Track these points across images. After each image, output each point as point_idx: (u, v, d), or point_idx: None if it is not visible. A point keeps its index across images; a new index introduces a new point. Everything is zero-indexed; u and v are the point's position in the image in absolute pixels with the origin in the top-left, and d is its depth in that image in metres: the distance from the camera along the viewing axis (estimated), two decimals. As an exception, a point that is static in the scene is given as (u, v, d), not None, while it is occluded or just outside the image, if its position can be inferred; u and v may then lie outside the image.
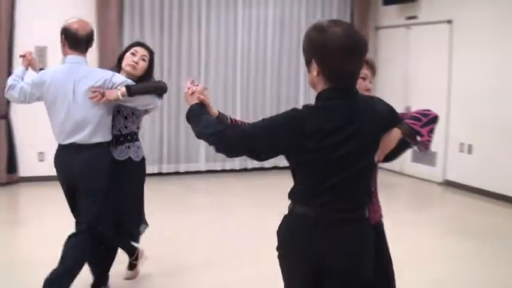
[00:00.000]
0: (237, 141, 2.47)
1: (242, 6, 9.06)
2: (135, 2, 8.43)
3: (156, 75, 8.37)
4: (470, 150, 8.10)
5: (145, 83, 4.13)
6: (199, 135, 2.64)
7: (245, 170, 9.25)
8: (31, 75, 4.05)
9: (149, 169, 8.38)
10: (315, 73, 2.43)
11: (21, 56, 4.19)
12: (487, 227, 6.36)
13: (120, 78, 3.96)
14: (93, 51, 7.90)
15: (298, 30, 9.42)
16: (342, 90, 2.44)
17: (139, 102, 4.05)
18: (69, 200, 4.10)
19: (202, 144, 8.84)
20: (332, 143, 2.38)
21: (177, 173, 8.87)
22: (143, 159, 4.30)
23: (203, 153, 8.97)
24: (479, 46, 7.82)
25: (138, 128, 4.30)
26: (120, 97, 3.87)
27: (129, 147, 4.20)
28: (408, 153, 9.30)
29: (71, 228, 4.01)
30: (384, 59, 9.86)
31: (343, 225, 2.45)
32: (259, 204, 7.19)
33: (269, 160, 2.67)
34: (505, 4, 7.48)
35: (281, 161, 2.61)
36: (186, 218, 6.56)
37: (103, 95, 3.83)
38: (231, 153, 2.59)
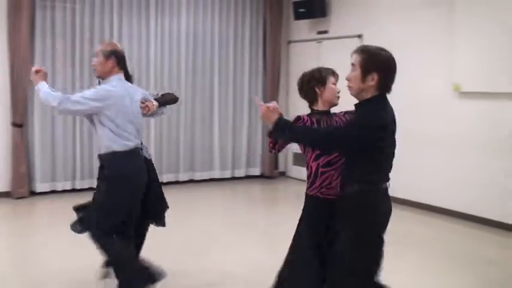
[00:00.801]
0: (348, 140, 3.18)
1: (155, 17, 9.07)
2: (47, 11, 8.29)
3: (69, 85, 8.37)
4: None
5: (166, 96, 4.86)
6: (305, 140, 3.37)
7: (212, 180, 9.47)
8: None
9: (62, 185, 8.40)
10: (371, 83, 3.19)
11: (37, 72, 4.41)
12: (405, 234, 6.60)
13: (146, 92, 4.73)
14: (4, 61, 7.83)
15: (212, 42, 9.54)
16: (386, 97, 3.25)
17: (160, 112, 4.80)
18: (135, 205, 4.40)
19: (182, 155, 8.86)
20: (390, 136, 3.22)
21: (90, 189, 8.70)
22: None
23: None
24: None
25: None
26: (155, 108, 4.61)
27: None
28: (290, 158, 9.58)
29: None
30: (296, 72, 10.10)
31: None
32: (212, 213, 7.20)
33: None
34: (412, 19, 7.89)
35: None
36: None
37: (149, 107, 4.53)
38: (336, 151, 3.41)
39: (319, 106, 3.66)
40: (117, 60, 4.42)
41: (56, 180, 8.50)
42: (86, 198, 7.71)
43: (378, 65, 3.20)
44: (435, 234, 6.69)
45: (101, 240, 4.34)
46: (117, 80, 4.40)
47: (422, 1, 7.79)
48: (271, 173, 10.13)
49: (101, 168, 4.48)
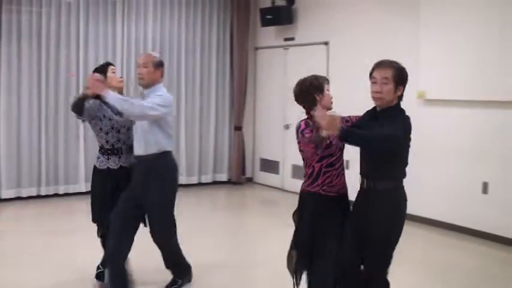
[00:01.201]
0: (400, 140, 3.66)
1: (121, 22, 9.08)
2: (13, 14, 8.26)
3: (35, 92, 8.34)
4: (347, 165, 8.50)
5: None
6: (373, 142, 3.62)
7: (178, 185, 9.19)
8: None
9: (27, 191, 8.34)
10: (398, 93, 3.77)
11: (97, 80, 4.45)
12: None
13: None
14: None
15: (178, 48, 9.58)
16: None
17: None
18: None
19: (81, 164, 8.74)
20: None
21: (56, 195, 8.69)
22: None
23: (83, 174, 8.84)
24: (353, 66, 8.32)
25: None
26: None
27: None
28: (289, 170, 9.68)
29: None
30: (263, 78, 10.23)
31: None
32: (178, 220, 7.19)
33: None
34: (378, 28, 8.05)
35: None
36: (65, 239, 6.48)
37: None
38: (389, 151, 3.68)
39: None
40: (163, 70, 4.79)
41: (21, 187, 8.43)
42: (52, 204, 7.71)
43: (404, 79, 3.81)
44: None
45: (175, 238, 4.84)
46: (163, 88, 4.77)
47: (388, 10, 7.95)
48: (238, 179, 10.19)
49: (147, 168, 4.64)
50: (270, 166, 10.16)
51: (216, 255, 5.91)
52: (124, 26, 9.11)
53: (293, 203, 9.34)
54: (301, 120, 4.05)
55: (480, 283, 5.42)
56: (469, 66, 6.89)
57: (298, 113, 9.82)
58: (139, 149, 4.67)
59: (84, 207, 8.22)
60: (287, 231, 6.82)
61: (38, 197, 8.49)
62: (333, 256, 3.83)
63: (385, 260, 3.75)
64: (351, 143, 3.67)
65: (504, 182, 6.70)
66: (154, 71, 4.69)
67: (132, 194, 4.65)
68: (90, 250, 5.81)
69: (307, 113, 4.06)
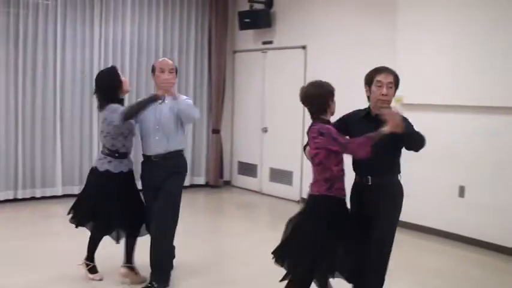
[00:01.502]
0: None
1: (99, 25, 9.03)
2: (-11, 16, 8.21)
3: (11, 94, 8.29)
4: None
5: None
6: (424, 141, 4.06)
7: None
8: None
9: (4, 195, 8.28)
10: None
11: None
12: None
13: None
14: None
15: (156, 51, 9.56)
16: None
17: None
18: None
19: (58, 167, 8.70)
20: None
21: (33, 199, 8.63)
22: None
23: (60, 177, 8.80)
24: (331, 70, 8.40)
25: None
26: None
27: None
28: (266, 173, 9.73)
29: None
30: (241, 81, 10.28)
31: None
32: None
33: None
34: (356, 33, 8.15)
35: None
36: (41, 243, 6.46)
37: None
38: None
39: (327, 116, 4.08)
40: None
41: (-3, 190, 8.39)
42: (29, 208, 7.67)
43: (399, 84, 4.21)
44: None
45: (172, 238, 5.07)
46: None
47: (366, 15, 8.05)
48: (216, 182, 10.21)
49: (172, 165, 4.98)
50: (247, 169, 10.20)
51: (194, 259, 5.93)
52: (102, 28, 9.07)
53: (271, 206, 9.47)
54: (314, 125, 4.03)
55: (456, 286, 5.50)
56: (445, 71, 7.00)
57: (276, 116, 10.00)
58: (158, 148, 4.96)
59: (61, 211, 8.26)
60: (264, 234, 6.91)
61: (15, 200, 8.42)
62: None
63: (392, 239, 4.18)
64: (407, 141, 4.02)
65: (480, 186, 6.81)
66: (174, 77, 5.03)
67: (155, 190, 4.94)
68: (69, 253, 5.82)
69: (314, 117, 4.09)
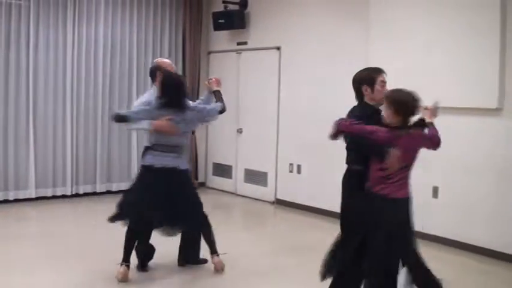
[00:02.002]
0: None
1: (72, 25, 8.97)
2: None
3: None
4: (299, 170, 8.70)
5: None
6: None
7: (77, 195, 9.13)
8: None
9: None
10: None
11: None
12: (316, 242, 6.83)
13: None
14: None
15: (130, 51, 9.55)
16: None
17: None
18: None
19: (32, 169, 8.65)
20: None
21: (6, 201, 8.54)
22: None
23: (33, 179, 8.75)
24: (305, 71, 8.49)
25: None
26: None
27: None
28: (241, 174, 9.76)
29: None
30: (216, 82, 10.28)
31: None
32: (86, 231, 7.22)
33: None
34: (330, 34, 8.25)
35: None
36: (14, 247, 6.43)
37: None
38: None
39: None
40: None
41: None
42: (2, 211, 7.59)
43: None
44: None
45: None
46: None
47: (339, 16, 8.14)
48: (191, 184, 10.20)
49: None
50: (222, 170, 10.23)
51: (169, 261, 5.94)
52: (75, 29, 9.01)
53: (246, 207, 9.47)
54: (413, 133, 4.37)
55: None
56: (418, 72, 7.08)
57: (251, 117, 10.02)
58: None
59: (34, 214, 8.23)
60: (240, 235, 6.95)
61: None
62: None
63: None
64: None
65: (453, 186, 6.93)
66: None
67: None
68: (40, 257, 5.81)
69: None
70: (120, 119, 5.10)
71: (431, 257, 6.46)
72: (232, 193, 9.91)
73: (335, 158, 7.89)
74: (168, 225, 5.25)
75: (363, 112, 4.43)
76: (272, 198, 9.17)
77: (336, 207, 7.45)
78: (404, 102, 4.29)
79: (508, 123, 6.02)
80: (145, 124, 5.10)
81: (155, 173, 5.15)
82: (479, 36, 6.49)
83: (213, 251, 5.56)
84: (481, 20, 6.48)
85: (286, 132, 8.93)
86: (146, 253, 5.58)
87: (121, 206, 5.24)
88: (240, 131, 9.79)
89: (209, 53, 10.46)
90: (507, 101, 6.35)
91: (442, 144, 6.36)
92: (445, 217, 6.99)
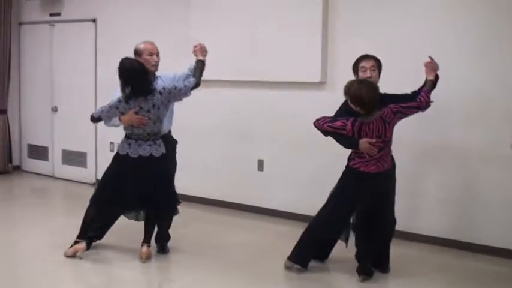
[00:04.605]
0: None
1: None
2: None
3: None
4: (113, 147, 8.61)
5: None
6: None
7: None
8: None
9: None
10: None
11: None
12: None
13: None
14: None
15: None
16: None
17: None
18: None
19: None
20: None
21: None
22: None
23: None
24: (122, 44, 8.36)
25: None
26: None
27: None
28: (59, 156, 9.51)
29: None
30: (28, 56, 9.90)
31: None
32: None
33: None
34: (146, 4, 8.24)
35: None
36: None
37: None
38: None
39: None
40: None
41: None
42: None
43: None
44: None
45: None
46: None
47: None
48: (5, 168, 9.78)
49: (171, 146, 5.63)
50: (38, 152, 9.90)
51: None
52: None
53: (66, 190, 9.29)
54: (384, 110, 4.82)
55: (258, 257, 5.81)
56: (241, 48, 7.27)
57: (67, 95, 9.77)
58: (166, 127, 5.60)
59: None
60: (62, 220, 6.82)
61: None
62: None
63: None
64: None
65: (277, 159, 7.25)
66: None
67: None
68: None
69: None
70: (95, 120, 5.42)
71: (258, 228, 6.81)
72: (50, 176, 9.64)
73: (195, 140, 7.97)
74: (138, 209, 5.53)
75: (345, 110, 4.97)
76: (93, 180, 9.03)
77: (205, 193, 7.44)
78: (359, 97, 4.71)
79: (331, 95, 6.36)
80: (115, 121, 5.32)
81: (132, 162, 5.27)
82: (302, 12, 6.80)
83: (147, 241, 5.55)
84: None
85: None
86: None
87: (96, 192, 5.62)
88: (55, 109, 9.51)
89: (20, 24, 9.98)
90: (330, 75, 6.76)
91: (262, 118, 6.65)
92: (271, 189, 7.31)
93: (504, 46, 5.73)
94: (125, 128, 5.36)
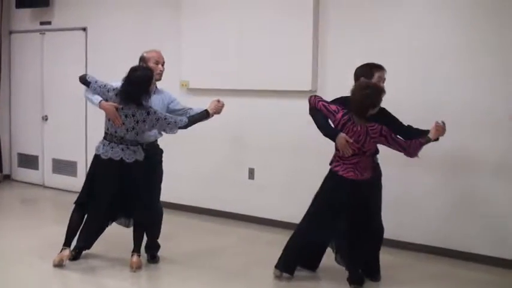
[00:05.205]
0: None
1: None
2: None
3: None
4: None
5: None
6: None
7: None
8: None
9: None
10: None
11: None
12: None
13: None
14: None
15: None
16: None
17: None
18: None
19: None
20: None
21: None
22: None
23: None
24: (113, 52, 8.41)
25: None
26: None
27: None
28: (49, 165, 9.48)
29: None
30: (18, 65, 9.88)
31: None
32: None
33: None
34: (137, 12, 8.28)
35: None
36: None
37: None
38: None
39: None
40: None
41: None
42: None
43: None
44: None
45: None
46: None
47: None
48: (-6, 177, 9.76)
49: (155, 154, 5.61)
50: (28, 161, 9.86)
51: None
52: None
53: (56, 199, 9.24)
54: (373, 125, 4.82)
55: (249, 267, 5.80)
56: (231, 56, 7.31)
57: (57, 103, 9.74)
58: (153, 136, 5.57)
59: None
60: (53, 229, 6.77)
61: None
62: None
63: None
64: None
65: (268, 167, 7.26)
66: None
67: None
68: None
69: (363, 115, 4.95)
70: (83, 81, 5.38)
71: (249, 237, 6.82)
72: (40, 185, 9.61)
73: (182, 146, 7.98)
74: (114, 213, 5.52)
75: (341, 102, 5.02)
76: (83, 188, 8.98)
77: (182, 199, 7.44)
78: (358, 101, 4.77)
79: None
80: (96, 99, 5.30)
81: (103, 163, 5.31)
82: (293, 19, 6.84)
83: (137, 250, 5.52)
84: (294, 2, 6.83)
85: (96, 118, 8.75)
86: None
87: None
88: (45, 118, 9.49)
89: (10, 32, 9.97)
90: (320, 83, 6.79)
91: (254, 126, 6.61)
92: (261, 197, 7.32)
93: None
94: (105, 122, 5.40)
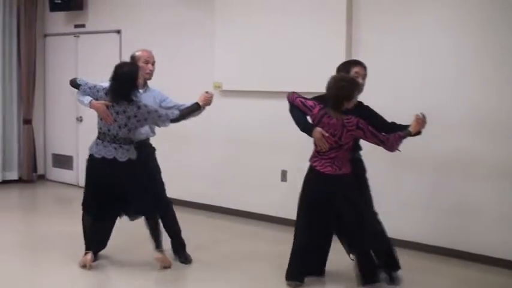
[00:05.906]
0: None
1: None
2: None
3: None
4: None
5: None
6: None
7: None
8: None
9: None
10: None
11: None
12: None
13: None
14: None
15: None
16: None
17: None
18: None
19: None
20: None
21: None
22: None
23: None
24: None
25: None
26: None
27: None
28: (83, 165, 9.59)
29: None
30: (53, 67, 10.06)
31: None
32: None
33: None
34: (174, 17, 8.36)
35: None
36: None
37: None
38: None
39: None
40: None
41: None
42: None
43: None
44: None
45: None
46: None
47: (184, 0, 8.24)
48: (30, 177, 9.94)
49: (146, 152, 5.61)
50: (63, 162, 10.03)
51: (12, 260, 5.82)
52: None
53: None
54: (349, 118, 4.78)
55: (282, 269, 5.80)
56: (264, 55, 7.32)
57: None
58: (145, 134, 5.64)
59: None
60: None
61: None
62: None
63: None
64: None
65: (301, 169, 7.26)
66: None
67: None
68: None
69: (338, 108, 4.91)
70: (74, 84, 5.49)
71: (284, 241, 6.81)
72: (74, 185, 9.75)
73: (185, 146, 8.05)
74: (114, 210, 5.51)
75: (321, 99, 5.02)
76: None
77: (189, 196, 7.49)
78: (333, 94, 4.79)
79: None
80: (86, 100, 5.39)
81: (96, 162, 5.39)
82: (326, 22, 6.83)
83: (157, 246, 5.55)
84: (327, 4, 6.82)
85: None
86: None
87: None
88: (80, 119, 9.65)
89: (45, 36, 10.18)
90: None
91: (287, 128, 6.64)
92: (295, 200, 7.33)
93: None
94: (98, 122, 5.46)
